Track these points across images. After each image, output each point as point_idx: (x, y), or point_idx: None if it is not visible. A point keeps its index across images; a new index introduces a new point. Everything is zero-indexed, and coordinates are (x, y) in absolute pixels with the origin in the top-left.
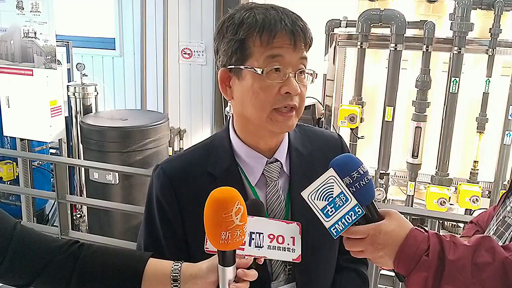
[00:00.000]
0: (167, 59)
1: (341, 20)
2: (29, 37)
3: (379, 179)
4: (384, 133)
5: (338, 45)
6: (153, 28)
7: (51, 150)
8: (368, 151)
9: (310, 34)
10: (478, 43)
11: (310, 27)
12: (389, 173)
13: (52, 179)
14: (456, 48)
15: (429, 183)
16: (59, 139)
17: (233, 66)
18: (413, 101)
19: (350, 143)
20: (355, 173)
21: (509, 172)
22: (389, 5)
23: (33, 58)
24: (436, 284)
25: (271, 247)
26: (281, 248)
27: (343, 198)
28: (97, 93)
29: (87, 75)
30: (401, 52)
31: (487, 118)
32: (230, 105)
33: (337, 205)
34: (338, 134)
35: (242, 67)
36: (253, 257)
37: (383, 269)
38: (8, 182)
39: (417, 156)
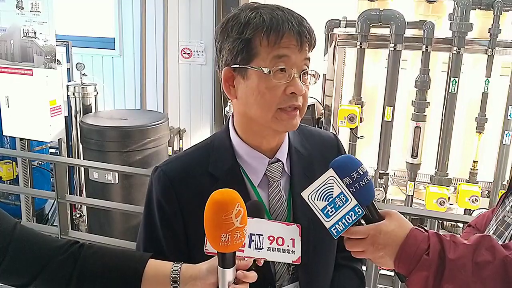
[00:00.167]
0: (166, 59)
1: (340, 20)
2: (29, 37)
3: (379, 179)
4: (383, 133)
5: (337, 45)
6: (152, 28)
7: (51, 150)
8: (367, 151)
9: (314, 35)
10: (477, 43)
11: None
12: (388, 173)
13: (51, 179)
14: (455, 48)
15: (429, 183)
16: (58, 139)
17: (238, 66)
18: (412, 101)
19: (349, 143)
20: (355, 173)
21: (508, 172)
22: (389, 5)
23: (33, 58)
24: (437, 284)
25: (271, 248)
26: (281, 250)
27: (343, 199)
28: (97, 93)
29: (86, 75)
30: (400, 52)
31: (487, 118)
32: (229, 105)
33: (337, 205)
34: (334, 134)
35: (248, 66)
36: (253, 259)
37: (382, 269)
38: (8, 182)
39: (417, 156)
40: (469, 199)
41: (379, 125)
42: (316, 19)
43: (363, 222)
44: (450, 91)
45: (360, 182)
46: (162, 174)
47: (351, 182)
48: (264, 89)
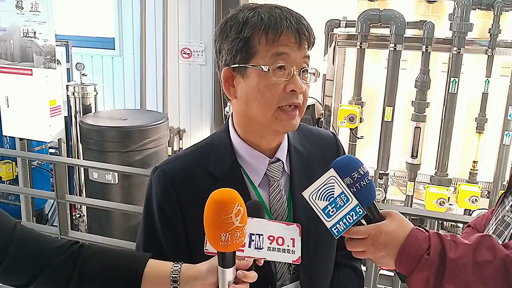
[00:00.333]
0: (166, 59)
1: (340, 20)
2: (28, 36)
3: (379, 179)
4: (383, 133)
5: (337, 45)
6: (152, 28)
7: (51, 150)
8: (367, 151)
9: (313, 33)
10: (477, 44)
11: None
12: (388, 173)
13: (51, 179)
14: (455, 48)
15: (429, 183)
16: (58, 139)
17: (237, 65)
18: (412, 101)
19: (349, 143)
20: (356, 173)
21: (508, 172)
22: (389, 5)
23: (33, 57)
24: (438, 283)
25: (271, 248)
26: (281, 249)
27: (344, 198)
28: (97, 93)
29: (86, 75)
30: (400, 52)
31: (487, 118)
32: (229, 105)
33: (338, 205)
34: (333, 133)
35: (247, 65)
36: (253, 258)
37: (382, 269)
38: (8, 182)
39: (417, 156)
40: (469, 200)
41: (379, 125)
42: (316, 19)
43: (364, 222)
44: (450, 91)
45: (361, 182)
46: (162, 174)
47: (352, 182)
48: (264, 88)
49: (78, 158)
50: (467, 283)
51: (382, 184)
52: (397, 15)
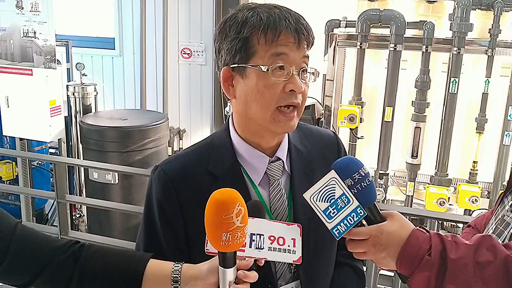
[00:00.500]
0: (166, 59)
1: (340, 20)
2: (28, 36)
3: (379, 179)
4: (383, 133)
5: (337, 45)
6: (152, 28)
7: (51, 150)
8: (367, 151)
9: (312, 33)
10: (477, 44)
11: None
12: (388, 173)
13: (51, 179)
14: (455, 48)
15: (429, 184)
16: (58, 139)
17: (236, 65)
18: (412, 101)
19: (349, 143)
20: (357, 174)
21: (508, 172)
22: (389, 5)
23: (33, 57)
24: (439, 284)
25: (272, 248)
26: (282, 249)
27: (345, 200)
28: (97, 93)
29: (86, 75)
30: (400, 52)
31: (487, 119)
32: (229, 105)
33: (339, 207)
34: (334, 132)
35: (246, 65)
36: (254, 258)
37: (382, 269)
38: (8, 182)
39: (417, 156)
40: (469, 200)
41: (379, 125)
42: (316, 19)
43: (364, 223)
44: (450, 91)
45: (362, 184)
46: (162, 173)
47: (353, 183)
48: (263, 87)
49: (78, 158)
50: (468, 284)
51: (382, 184)
52: (397, 15)
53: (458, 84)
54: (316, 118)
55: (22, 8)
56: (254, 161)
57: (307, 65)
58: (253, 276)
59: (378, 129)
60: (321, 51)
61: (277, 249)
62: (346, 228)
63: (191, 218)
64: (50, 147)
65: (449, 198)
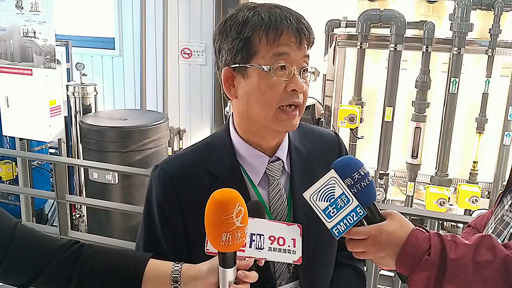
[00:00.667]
0: (166, 59)
1: (341, 20)
2: (28, 36)
3: (379, 180)
4: (383, 134)
5: (338, 45)
6: (152, 28)
7: (51, 150)
8: (367, 152)
9: (313, 32)
10: (477, 44)
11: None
12: (388, 174)
13: (51, 179)
14: (455, 48)
15: (429, 184)
16: (58, 139)
17: (237, 65)
18: (412, 101)
19: (349, 143)
20: (356, 174)
21: (508, 172)
22: (389, 5)
23: (33, 57)
24: (438, 284)
25: (272, 249)
26: (282, 250)
27: (345, 199)
28: (97, 93)
29: (86, 75)
30: (400, 52)
31: (487, 119)
32: (229, 105)
33: (338, 206)
34: (335, 132)
35: (248, 65)
36: (254, 259)
37: (382, 269)
38: (8, 182)
39: (417, 156)
40: (469, 200)
41: (379, 125)
42: (316, 19)
43: (364, 223)
44: (450, 91)
45: (362, 183)
46: (162, 173)
47: (352, 183)
48: (265, 87)
49: (78, 158)
50: (467, 283)
51: (382, 184)
52: (398, 15)
53: (458, 84)
54: (316, 118)
55: (22, 8)
56: (253, 161)
57: (308, 65)
58: (253, 276)
59: (378, 129)
60: (321, 51)
61: (277, 249)
62: (345, 227)
63: (191, 218)
64: (50, 147)
65: (449, 198)
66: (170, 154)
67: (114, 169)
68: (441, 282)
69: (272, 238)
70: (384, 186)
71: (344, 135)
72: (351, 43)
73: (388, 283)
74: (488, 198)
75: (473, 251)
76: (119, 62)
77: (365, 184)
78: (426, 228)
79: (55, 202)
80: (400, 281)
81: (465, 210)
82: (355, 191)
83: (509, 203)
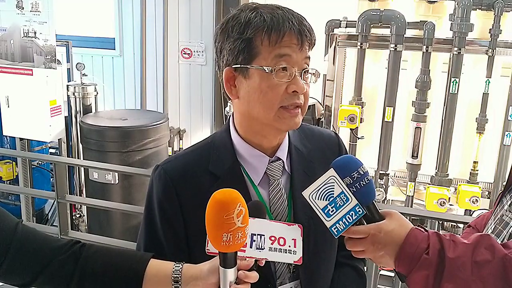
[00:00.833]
0: (167, 59)
1: (341, 21)
2: (29, 36)
3: (379, 180)
4: (384, 134)
5: (338, 45)
6: (153, 28)
7: (51, 150)
8: (367, 152)
9: (314, 34)
10: (478, 44)
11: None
12: (388, 174)
13: (51, 179)
14: (456, 48)
15: (429, 184)
16: (58, 139)
17: (239, 65)
18: (413, 101)
19: (350, 143)
20: (356, 173)
21: (508, 172)
22: (389, 5)
23: (33, 57)
24: (437, 283)
25: (272, 249)
26: (282, 250)
27: (344, 198)
28: (97, 93)
29: (86, 75)
30: (401, 52)
31: (487, 119)
32: (230, 105)
33: (337, 205)
34: (335, 132)
35: (249, 66)
36: (254, 259)
37: (382, 269)
38: (8, 182)
39: (417, 156)
40: (470, 200)
41: (379, 125)
42: (316, 20)
43: (363, 222)
44: (450, 91)
45: (361, 182)
46: (163, 173)
47: (351, 182)
48: (266, 88)
49: (78, 158)
50: (466, 282)
51: (382, 184)
52: (398, 15)
53: (458, 84)
54: (317, 118)
55: (23, 8)
56: (254, 161)
57: (309, 66)
58: (254, 276)
59: (378, 129)
60: (321, 51)
61: (277, 250)
62: (344, 226)
63: (191, 218)
64: (50, 147)
65: (449, 198)
66: (170, 154)
67: (114, 169)
68: (440, 281)
69: (273, 238)
70: (384, 186)
71: (344, 135)
72: (351, 43)
73: (388, 283)
74: (488, 198)
75: (471, 251)
76: (119, 62)
77: (364, 183)
78: (425, 228)
79: (55, 202)
80: (400, 281)
81: (465, 210)
82: (354, 190)
83: (508, 203)
